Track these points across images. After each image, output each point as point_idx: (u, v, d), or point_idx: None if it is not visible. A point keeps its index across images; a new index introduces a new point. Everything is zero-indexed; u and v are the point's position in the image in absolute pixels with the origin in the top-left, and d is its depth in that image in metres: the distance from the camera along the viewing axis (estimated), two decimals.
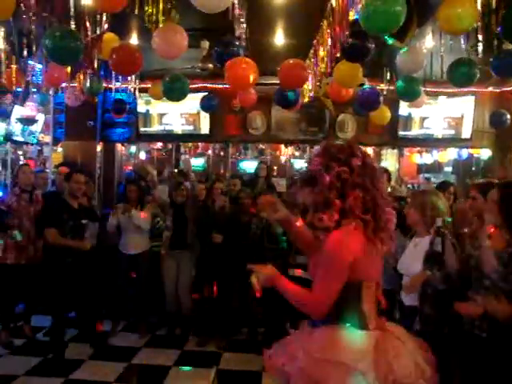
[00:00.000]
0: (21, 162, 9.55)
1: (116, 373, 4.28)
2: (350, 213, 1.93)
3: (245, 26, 4.34)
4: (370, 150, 9.04)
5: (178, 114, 7.41)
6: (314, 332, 1.99)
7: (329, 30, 4.10)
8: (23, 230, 4.83)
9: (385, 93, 5.84)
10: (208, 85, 6.95)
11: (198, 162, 10.34)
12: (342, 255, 1.90)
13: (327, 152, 2.01)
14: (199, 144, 8.90)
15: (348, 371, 1.82)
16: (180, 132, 7.52)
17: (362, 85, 5.57)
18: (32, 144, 8.67)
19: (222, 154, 10.12)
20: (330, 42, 4.15)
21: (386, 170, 5.14)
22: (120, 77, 5.87)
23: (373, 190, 1.96)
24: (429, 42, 4.89)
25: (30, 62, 5.62)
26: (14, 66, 5.27)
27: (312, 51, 4.98)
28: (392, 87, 5.69)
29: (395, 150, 9.01)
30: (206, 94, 6.55)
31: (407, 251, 3.31)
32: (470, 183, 6.32)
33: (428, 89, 6.25)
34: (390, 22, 3.16)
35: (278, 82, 4.96)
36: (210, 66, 5.90)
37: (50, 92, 7.04)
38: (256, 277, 1.97)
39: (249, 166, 9.82)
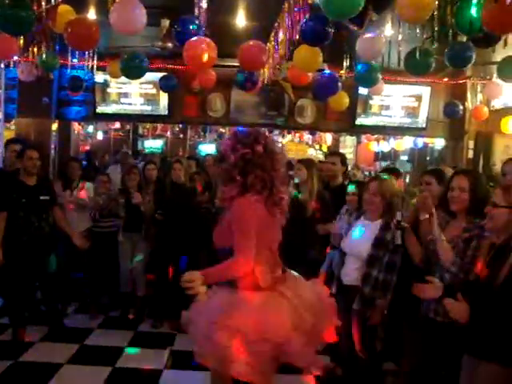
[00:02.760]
0: None
1: (68, 354, 4.21)
2: (251, 188, 2.32)
3: (205, 5, 4.29)
4: (328, 136, 9.20)
5: (136, 94, 7.29)
6: (215, 294, 2.39)
7: (289, 13, 4.10)
8: None
9: (343, 79, 5.90)
10: (168, 65, 6.85)
11: (156, 144, 10.21)
12: (247, 215, 2.29)
13: (235, 136, 2.41)
14: (158, 126, 8.76)
15: (230, 330, 2.21)
16: (138, 112, 7.39)
17: (322, 70, 5.61)
18: None
19: (181, 136, 10.04)
20: (289, 25, 4.15)
21: (339, 154, 5.17)
22: (77, 53, 5.69)
23: (271, 172, 2.35)
24: (388, 30, 4.97)
25: None
26: None
27: (273, 34, 4.97)
28: (351, 74, 5.76)
29: (354, 137, 9.19)
30: (166, 74, 6.46)
31: (354, 232, 3.37)
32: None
33: (386, 77, 6.36)
34: (350, 6, 3.20)
35: (238, 64, 4.93)
36: (170, 45, 5.81)
37: (1, 66, 6.76)
38: (196, 286, 2.24)
39: (208, 149, 9.76)
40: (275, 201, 2.35)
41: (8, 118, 7.44)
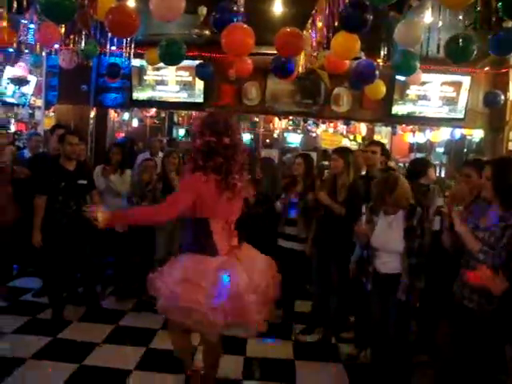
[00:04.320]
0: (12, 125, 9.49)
1: (103, 334, 4.33)
2: (206, 170, 2.57)
3: None
4: (363, 127, 9.07)
5: (172, 81, 7.35)
6: (180, 258, 2.73)
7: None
8: None
9: (381, 68, 5.79)
10: (204, 53, 6.87)
11: None
12: (188, 185, 2.62)
13: (207, 120, 2.64)
14: (193, 113, 8.81)
15: (193, 286, 2.53)
16: (173, 99, 7.45)
17: (359, 58, 5.53)
18: (23, 106, 8.58)
19: None
20: (327, 11, 4.10)
21: (380, 144, 5.05)
22: (115, 41, 5.78)
23: (230, 161, 2.60)
24: (428, 17, 4.86)
25: (22, 21, 5.51)
26: (4, 24, 5.15)
27: (310, 21, 4.93)
28: (388, 63, 5.65)
29: (389, 128, 9.02)
30: (202, 61, 6.49)
31: (382, 229, 3.36)
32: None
33: (424, 66, 6.22)
34: None
35: (274, 52, 4.91)
36: (207, 32, 5.83)
37: (43, 54, 6.93)
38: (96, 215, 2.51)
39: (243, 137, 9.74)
40: (228, 185, 2.60)
41: (48, 104, 7.65)
